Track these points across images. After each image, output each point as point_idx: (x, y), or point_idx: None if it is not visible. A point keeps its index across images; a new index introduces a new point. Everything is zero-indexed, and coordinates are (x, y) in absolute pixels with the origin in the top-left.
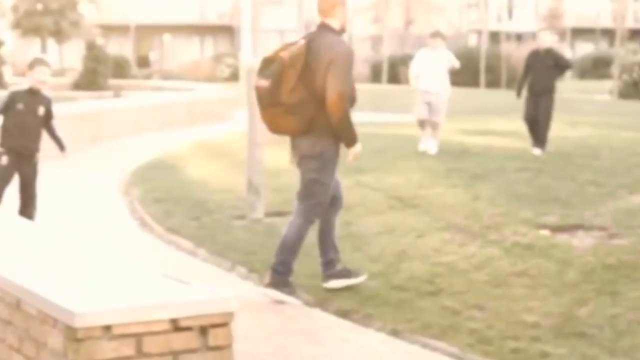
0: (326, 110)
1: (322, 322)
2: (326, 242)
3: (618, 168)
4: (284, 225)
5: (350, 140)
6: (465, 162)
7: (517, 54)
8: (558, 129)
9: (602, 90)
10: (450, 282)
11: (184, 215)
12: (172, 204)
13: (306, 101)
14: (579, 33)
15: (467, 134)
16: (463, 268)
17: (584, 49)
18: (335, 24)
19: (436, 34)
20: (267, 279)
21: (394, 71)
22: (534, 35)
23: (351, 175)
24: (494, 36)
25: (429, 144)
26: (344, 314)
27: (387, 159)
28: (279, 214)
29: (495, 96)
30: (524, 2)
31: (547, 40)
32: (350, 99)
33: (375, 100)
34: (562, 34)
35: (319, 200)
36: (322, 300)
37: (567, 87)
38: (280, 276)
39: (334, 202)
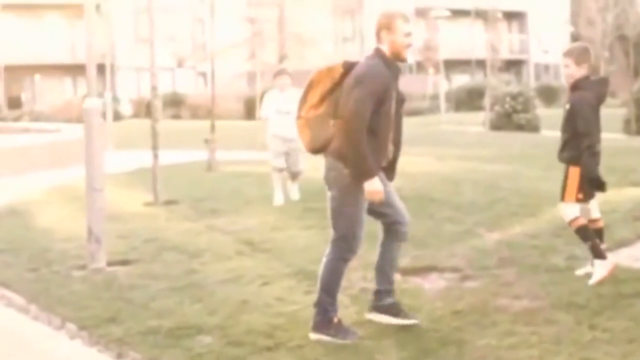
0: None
1: None
2: (379, 271)
3: (478, 204)
4: (125, 275)
5: (357, 174)
6: (324, 201)
7: None
8: (424, 164)
9: (477, 122)
10: (290, 335)
11: (23, 267)
12: (11, 254)
13: (325, 119)
14: (455, 65)
15: None
16: (305, 319)
17: (460, 80)
18: (385, 49)
19: (281, 73)
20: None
21: None
22: (410, 68)
23: (204, 219)
24: None
25: (291, 192)
26: None
27: (245, 199)
28: (123, 262)
29: None
30: None
31: None
32: (381, 136)
33: (248, 138)
34: (436, 66)
35: (344, 234)
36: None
37: (442, 120)
38: (321, 318)
39: (391, 230)
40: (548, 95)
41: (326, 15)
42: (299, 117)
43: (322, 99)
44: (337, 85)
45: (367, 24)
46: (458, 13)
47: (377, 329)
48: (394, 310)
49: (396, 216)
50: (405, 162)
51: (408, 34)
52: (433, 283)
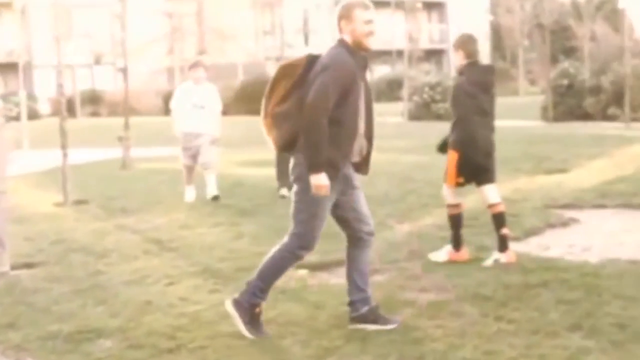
0: None
1: None
2: (350, 282)
3: (391, 195)
4: (29, 278)
5: (311, 165)
6: (236, 197)
7: None
8: None
9: (396, 113)
10: (193, 336)
11: None
12: None
13: (291, 116)
14: (376, 56)
15: (245, 166)
16: (209, 319)
17: (381, 71)
18: (347, 39)
19: (196, 65)
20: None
21: None
22: None
23: (113, 218)
24: None
25: (209, 188)
26: None
27: (157, 197)
28: (28, 265)
29: None
30: (319, 27)
31: None
32: (348, 129)
33: (165, 133)
34: None
35: (300, 230)
36: None
37: None
38: (246, 298)
39: (354, 238)
40: None
41: (245, 9)
42: (265, 116)
43: (287, 95)
44: (302, 79)
45: (286, 17)
46: (378, 4)
47: (280, 327)
48: (372, 317)
49: (358, 223)
50: None
51: (369, 22)
52: (340, 278)
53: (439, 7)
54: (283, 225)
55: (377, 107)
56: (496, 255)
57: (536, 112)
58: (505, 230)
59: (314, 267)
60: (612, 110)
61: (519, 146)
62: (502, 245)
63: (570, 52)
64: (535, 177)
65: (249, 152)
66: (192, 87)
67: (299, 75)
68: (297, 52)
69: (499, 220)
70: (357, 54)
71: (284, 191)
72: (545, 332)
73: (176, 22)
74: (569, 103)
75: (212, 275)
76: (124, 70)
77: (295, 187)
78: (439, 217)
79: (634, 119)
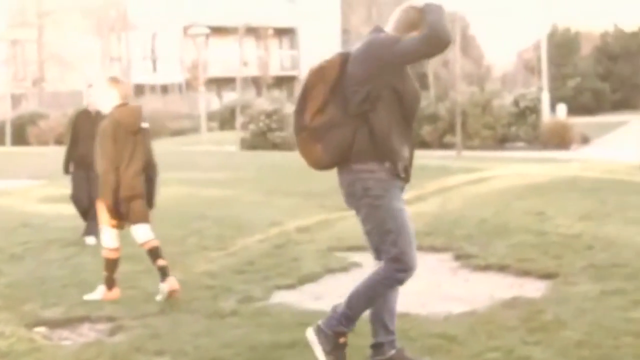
0: (369, 132)
1: None
2: (375, 320)
3: (171, 237)
4: None
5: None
6: (12, 240)
7: (161, 105)
8: None
9: (236, 141)
10: None
11: None
12: None
13: (337, 123)
14: (226, 83)
15: (45, 202)
16: None
17: (230, 98)
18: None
19: None
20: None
21: (22, 132)
22: (179, 87)
23: None
24: (139, 89)
25: None
26: None
27: None
28: None
29: None
30: (168, 54)
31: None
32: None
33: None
34: (208, 85)
35: (398, 252)
36: None
37: (202, 139)
38: (331, 325)
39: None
40: None
41: (91, 34)
42: (300, 130)
43: (326, 102)
44: (340, 78)
45: (133, 43)
46: (228, 30)
47: None
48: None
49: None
50: None
51: None
52: (81, 337)
53: (290, 33)
54: (46, 272)
55: (219, 135)
56: (161, 286)
57: None
58: (161, 262)
59: (56, 324)
60: (448, 138)
61: (328, 179)
62: (164, 275)
63: (423, 78)
64: (333, 213)
65: (60, 184)
66: None
67: (335, 78)
68: (144, 78)
69: (153, 254)
70: None
71: (90, 240)
72: None
73: (17, 49)
74: None
75: None
76: None
77: (363, 209)
78: (214, 263)
79: (469, 147)
